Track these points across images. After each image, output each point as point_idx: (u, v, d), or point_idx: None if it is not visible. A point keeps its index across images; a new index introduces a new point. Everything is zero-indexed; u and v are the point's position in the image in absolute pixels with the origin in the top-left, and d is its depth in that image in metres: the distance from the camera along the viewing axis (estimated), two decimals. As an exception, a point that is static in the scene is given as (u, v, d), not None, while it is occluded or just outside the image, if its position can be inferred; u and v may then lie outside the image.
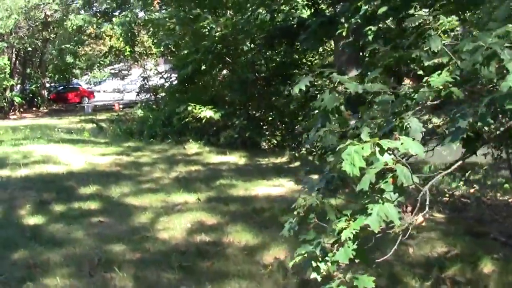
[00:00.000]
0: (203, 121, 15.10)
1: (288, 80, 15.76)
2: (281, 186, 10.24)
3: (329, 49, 18.66)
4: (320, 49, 18.34)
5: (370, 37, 10.65)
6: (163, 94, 24.79)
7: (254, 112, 16.10)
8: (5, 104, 36.44)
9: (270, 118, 16.14)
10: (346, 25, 11.52)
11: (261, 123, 16.05)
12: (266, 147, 15.95)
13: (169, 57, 28.12)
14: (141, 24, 29.20)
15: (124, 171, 11.49)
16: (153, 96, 27.94)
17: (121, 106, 37.86)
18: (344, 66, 14.36)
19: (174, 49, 22.68)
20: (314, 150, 14.15)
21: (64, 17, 37.48)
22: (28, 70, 42.65)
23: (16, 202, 8.63)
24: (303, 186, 4.21)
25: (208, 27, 15.45)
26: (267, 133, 15.86)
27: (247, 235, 7.21)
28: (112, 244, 6.75)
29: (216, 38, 15.15)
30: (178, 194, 9.37)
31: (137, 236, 7.14)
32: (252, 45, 16.44)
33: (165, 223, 7.75)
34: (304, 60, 17.62)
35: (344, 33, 11.57)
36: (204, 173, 11.61)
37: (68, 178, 10.35)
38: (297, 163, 13.16)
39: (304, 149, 14.54)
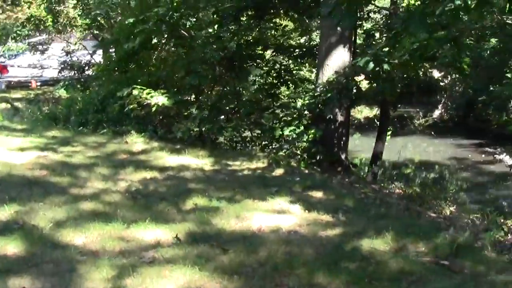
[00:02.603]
0: (153, 109, 11.72)
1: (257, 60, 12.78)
2: (287, 213, 7.16)
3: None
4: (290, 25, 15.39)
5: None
6: (90, 72, 21.24)
7: (216, 101, 12.81)
8: None
9: (234, 109, 12.89)
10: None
11: (226, 115, 12.79)
12: (228, 144, 12.80)
13: (95, 31, 24.67)
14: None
15: (52, 178, 8.13)
16: (78, 75, 24.17)
17: (38, 84, 33.64)
18: (334, 49, 11.47)
19: (104, 23, 19.56)
20: (299, 153, 11.18)
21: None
22: None
23: None
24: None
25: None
26: (230, 127, 12.60)
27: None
28: None
29: (175, 4, 11.85)
30: (141, 226, 6.16)
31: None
32: (215, 16, 13.22)
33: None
34: (273, 39, 14.55)
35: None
36: (165, 184, 8.39)
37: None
38: (280, 170, 10.07)
39: (284, 150, 11.43)
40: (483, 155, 24.10)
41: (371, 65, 7.41)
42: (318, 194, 8.29)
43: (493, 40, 18.75)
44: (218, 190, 8.10)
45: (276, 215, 6.99)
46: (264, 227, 6.44)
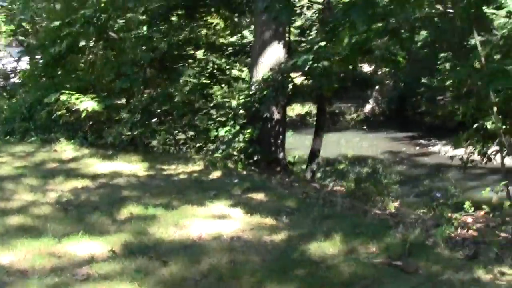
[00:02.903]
0: (82, 114, 11.26)
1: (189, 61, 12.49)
2: (228, 218, 6.87)
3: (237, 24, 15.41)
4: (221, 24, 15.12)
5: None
6: (16, 79, 20.42)
7: (148, 103, 12.39)
8: None
9: (167, 111, 12.49)
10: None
11: (158, 118, 12.39)
12: (162, 148, 12.42)
13: (20, 37, 23.74)
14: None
15: (-24, 192, 7.66)
16: (3, 82, 23.21)
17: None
18: (268, 46, 11.27)
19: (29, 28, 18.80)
20: (236, 154, 10.92)
21: None
22: None
23: None
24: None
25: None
26: (163, 130, 12.21)
27: None
28: None
29: (102, 5, 11.40)
30: (74, 240, 5.78)
31: None
32: (145, 16, 12.82)
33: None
34: (205, 39, 14.23)
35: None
36: (97, 193, 8.00)
37: None
38: (217, 173, 9.79)
39: (220, 151, 11.14)
40: (417, 147, 24.38)
41: (310, 63, 7.19)
42: (258, 196, 8.04)
43: (424, 33, 18.89)
44: (154, 196, 7.77)
45: (216, 221, 6.70)
46: (204, 234, 6.14)
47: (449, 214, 7.30)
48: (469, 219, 7.31)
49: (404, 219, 7.05)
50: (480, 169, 19.76)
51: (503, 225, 6.89)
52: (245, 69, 14.73)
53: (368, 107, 35.36)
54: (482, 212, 7.56)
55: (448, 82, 24.64)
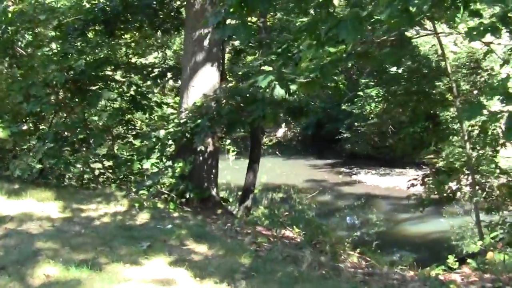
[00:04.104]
0: (-15, 142, 9.66)
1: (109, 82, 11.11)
2: (173, 284, 5.50)
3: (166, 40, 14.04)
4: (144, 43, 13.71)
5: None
6: None
7: (61, 130, 10.85)
8: None
9: (83, 139, 10.96)
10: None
11: (73, 147, 10.85)
12: (78, 182, 10.90)
13: None
14: None
15: None
16: None
17: None
18: (201, 68, 10.06)
19: None
20: (165, 191, 9.56)
21: None
22: None
23: None
24: None
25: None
26: (78, 158, 10.70)
27: None
28: None
29: (9, 16, 9.83)
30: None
31: None
32: (58, 31, 11.29)
33: None
34: (125, 58, 12.82)
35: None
36: (3, 244, 6.47)
37: None
38: (145, 215, 8.43)
39: (146, 188, 9.72)
40: (340, 176, 23.72)
41: (278, 88, 5.88)
42: (202, 249, 6.73)
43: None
44: (75, 250, 6.33)
45: (155, 285, 5.34)
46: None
47: (432, 273, 6.22)
48: (457, 278, 6.26)
49: (385, 280, 5.91)
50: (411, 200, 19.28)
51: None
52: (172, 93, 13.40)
53: (280, 132, 34.59)
54: (468, 269, 6.53)
55: (368, 110, 24.21)
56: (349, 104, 26.19)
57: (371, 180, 22.47)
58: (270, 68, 8.95)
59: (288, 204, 18.28)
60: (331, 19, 4.97)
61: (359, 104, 26.24)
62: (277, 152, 27.12)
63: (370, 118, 26.42)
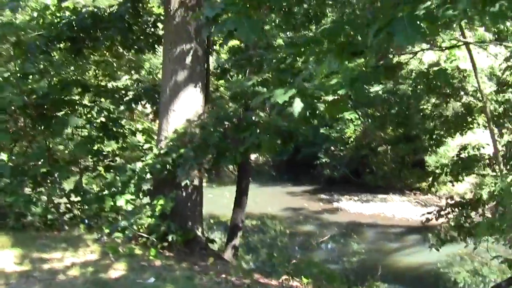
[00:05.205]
0: None
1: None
2: None
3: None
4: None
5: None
6: None
7: (22, 162, 9.43)
8: None
9: (47, 173, 9.54)
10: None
11: (34, 182, 9.41)
12: (40, 223, 9.44)
13: None
14: None
15: None
16: None
17: None
18: (182, 90, 8.78)
19: None
20: (143, 234, 8.18)
21: None
22: None
23: None
24: None
25: None
26: (40, 193, 9.30)
27: None
28: None
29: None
30: None
31: None
32: (17, 49, 9.90)
33: None
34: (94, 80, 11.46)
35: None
36: None
37: None
38: (121, 265, 7.07)
39: (119, 231, 8.30)
40: (321, 203, 22.57)
41: (298, 101, 4.44)
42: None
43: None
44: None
45: None
46: None
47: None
48: None
49: None
50: (398, 228, 18.26)
51: None
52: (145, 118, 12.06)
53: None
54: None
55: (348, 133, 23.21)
56: (327, 127, 25.18)
57: (354, 208, 21.44)
58: (265, 89, 7.76)
59: (272, 239, 17.11)
60: (380, 20, 3.71)
61: (338, 128, 25.24)
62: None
63: (349, 142, 25.44)
